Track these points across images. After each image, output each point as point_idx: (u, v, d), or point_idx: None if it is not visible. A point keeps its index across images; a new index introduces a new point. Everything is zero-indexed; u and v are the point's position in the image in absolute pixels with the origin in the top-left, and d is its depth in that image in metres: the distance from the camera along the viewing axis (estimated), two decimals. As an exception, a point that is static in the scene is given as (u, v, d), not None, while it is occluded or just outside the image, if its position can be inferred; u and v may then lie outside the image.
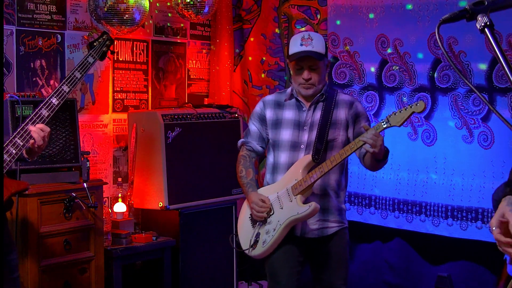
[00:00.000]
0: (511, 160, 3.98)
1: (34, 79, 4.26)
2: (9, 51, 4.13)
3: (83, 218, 3.96)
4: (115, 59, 4.74)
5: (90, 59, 3.21)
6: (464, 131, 4.22)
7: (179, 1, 4.78)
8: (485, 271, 4.18)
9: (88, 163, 4.06)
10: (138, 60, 4.93)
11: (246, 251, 3.40)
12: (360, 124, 3.32)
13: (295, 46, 3.32)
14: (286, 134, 3.38)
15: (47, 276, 3.79)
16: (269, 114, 3.45)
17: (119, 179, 4.71)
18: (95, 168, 4.59)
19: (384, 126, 3.10)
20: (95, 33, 3.36)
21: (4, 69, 4.08)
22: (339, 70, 4.83)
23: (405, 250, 4.58)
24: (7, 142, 2.89)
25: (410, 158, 4.45)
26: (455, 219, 4.25)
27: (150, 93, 5.02)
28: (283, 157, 3.38)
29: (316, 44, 3.30)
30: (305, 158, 3.31)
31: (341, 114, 3.36)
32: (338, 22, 4.85)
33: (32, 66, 4.25)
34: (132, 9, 4.26)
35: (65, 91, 3.06)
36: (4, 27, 4.05)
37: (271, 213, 3.33)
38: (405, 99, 4.49)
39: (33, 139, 2.91)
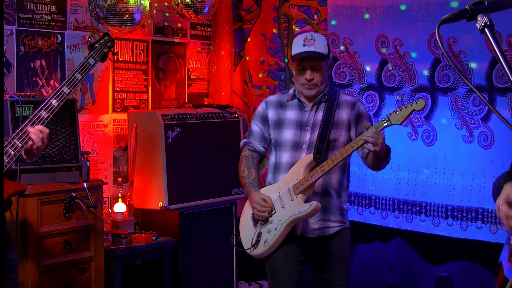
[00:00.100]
0: (511, 160, 3.98)
1: (34, 79, 4.26)
2: (9, 51, 4.13)
3: (83, 218, 3.96)
4: (115, 59, 4.74)
5: (91, 61, 3.21)
6: (464, 131, 4.22)
7: (179, 1, 4.78)
8: (485, 271, 4.18)
9: (88, 163, 4.06)
10: (138, 60, 4.93)
11: (248, 251, 3.40)
12: (362, 124, 3.33)
13: (298, 46, 3.33)
14: (288, 134, 3.39)
15: (47, 276, 3.79)
16: (271, 114, 3.45)
17: (119, 179, 4.71)
18: (95, 168, 4.59)
19: (384, 124, 3.11)
20: (96, 34, 3.36)
21: (4, 69, 4.08)
22: (339, 70, 4.83)
23: (405, 250, 4.58)
24: (6, 143, 2.88)
25: (410, 158, 4.46)
26: (455, 219, 4.25)
27: (150, 93, 5.02)
28: (285, 157, 3.39)
29: (319, 44, 3.31)
30: (306, 157, 3.31)
31: (343, 114, 3.36)
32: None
33: (32, 66, 4.26)
34: (132, 9, 4.26)
35: (65, 93, 3.05)
36: (4, 27, 4.05)
37: (272, 213, 3.33)
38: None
39: (32, 140, 2.90)
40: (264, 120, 3.48)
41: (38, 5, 4.27)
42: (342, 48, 4.79)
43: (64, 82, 3.08)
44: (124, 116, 4.80)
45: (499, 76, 4.05)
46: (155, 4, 5.02)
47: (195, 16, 4.83)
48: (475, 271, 4.26)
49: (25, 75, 4.22)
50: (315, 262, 3.44)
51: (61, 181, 3.94)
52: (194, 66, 5.38)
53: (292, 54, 3.36)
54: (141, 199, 4.60)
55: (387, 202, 4.58)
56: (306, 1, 5.08)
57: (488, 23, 1.67)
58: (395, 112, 3.10)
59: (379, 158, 3.22)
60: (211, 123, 4.79)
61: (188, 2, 4.76)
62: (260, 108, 3.52)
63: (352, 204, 4.73)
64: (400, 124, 3.10)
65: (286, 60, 5.21)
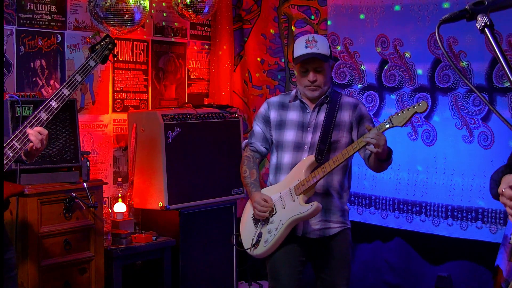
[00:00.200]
0: (511, 160, 3.98)
1: (34, 79, 4.26)
2: (9, 51, 4.13)
3: (83, 218, 3.96)
4: (115, 60, 4.74)
5: (92, 63, 3.20)
6: (464, 131, 4.22)
7: (179, 1, 4.78)
8: (485, 271, 4.18)
9: (88, 163, 4.06)
10: (138, 60, 4.93)
11: (248, 251, 3.40)
12: (364, 126, 3.33)
13: (300, 48, 3.33)
14: (290, 135, 3.39)
15: (47, 276, 3.79)
16: (273, 115, 3.46)
17: (119, 179, 4.71)
18: (95, 168, 4.59)
19: (386, 126, 3.13)
20: (97, 36, 3.35)
21: (4, 69, 4.08)
22: (339, 70, 4.83)
23: (405, 250, 4.58)
24: (5, 144, 2.87)
25: (410, 158, 4.46)
26: (455, 219, 4.25)
27: (150, 93, 5.02)
28: (287, 157, 3.39)
29: (321, 46, 3.31)
30: (308, 158, 3.32)
31: (345, 116, 3.37)
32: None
33: (32, 66, 4.26)
34: (132, 9, 4.26)
35: (65, 95, 3.05)
36: (4, 27, 4.05)
37: (273, 213, 3.33)
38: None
39: (31, 142, 2.90)
40: (266, 121, 3.48)
41: (38, 5, 4.27)
42: (338, 48, 4.79)
43: (64, 84, 3.08)
44: (124, 116, 4.80)
45: (499, 76, 4.05)
46: (153, 4, 5.02)
47: (195, 16, 4.83)
48: (475, 271, 4.26)
49: (25, 75, 4.22)
50: (316, 262, 3.44)
51: (61, 181, 3.94)
52: (194, 66, 5.38)
53: (294, 56, 3.36)
54: (141, 199, 4.60)
55: (387, 202, 4.59)
56: (306, 1, 5.08)
57: (488, 23, 1.67)
58: (397, 114, 3.12)
59: (381, 160, 3.23)
60: (211, 123, 4.79)
61: (188, 2, 4.76)
62: (262, 109, 3.52)
63: (352, 204, 4.73)
64: (402, 126, 3.13)
65: (283, 60, 5.21)
